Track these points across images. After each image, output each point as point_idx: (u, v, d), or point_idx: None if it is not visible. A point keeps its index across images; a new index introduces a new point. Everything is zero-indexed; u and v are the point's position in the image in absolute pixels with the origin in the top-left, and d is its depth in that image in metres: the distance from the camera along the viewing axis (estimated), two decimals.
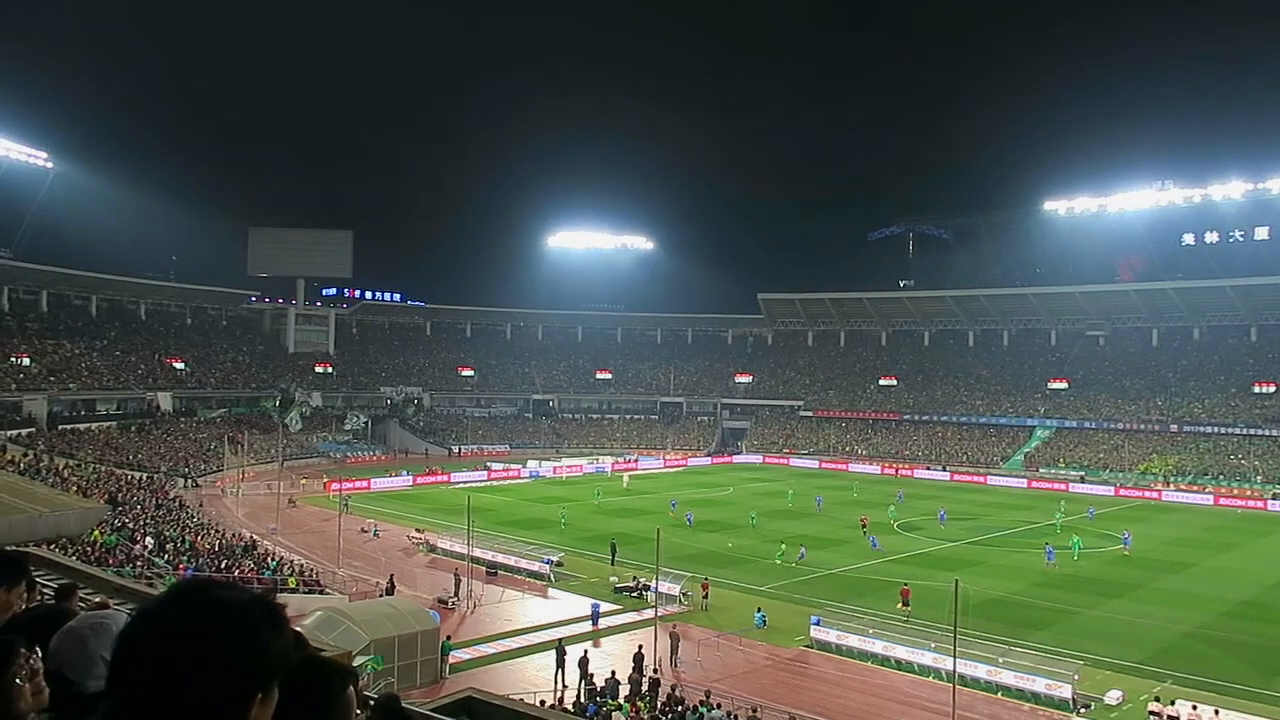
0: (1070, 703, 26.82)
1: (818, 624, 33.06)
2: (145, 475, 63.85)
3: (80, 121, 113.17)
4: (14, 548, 20.25)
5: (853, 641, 31.80)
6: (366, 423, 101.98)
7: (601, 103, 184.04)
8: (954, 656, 25.33)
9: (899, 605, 35.47)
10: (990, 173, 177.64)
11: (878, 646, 31.25)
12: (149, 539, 39.70)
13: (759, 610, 35.10)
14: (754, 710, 24.42)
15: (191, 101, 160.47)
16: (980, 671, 28.37)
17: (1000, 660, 28.70)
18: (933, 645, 29.76)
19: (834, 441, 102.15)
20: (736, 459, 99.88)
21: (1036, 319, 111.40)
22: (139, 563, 35.45)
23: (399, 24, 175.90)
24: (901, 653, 30.72)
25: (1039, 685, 27.50)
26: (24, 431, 71.74)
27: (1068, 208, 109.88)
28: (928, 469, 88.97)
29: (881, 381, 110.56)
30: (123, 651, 1.49)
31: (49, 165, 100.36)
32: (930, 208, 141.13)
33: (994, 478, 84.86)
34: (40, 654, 2.57)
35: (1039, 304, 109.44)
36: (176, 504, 54.16)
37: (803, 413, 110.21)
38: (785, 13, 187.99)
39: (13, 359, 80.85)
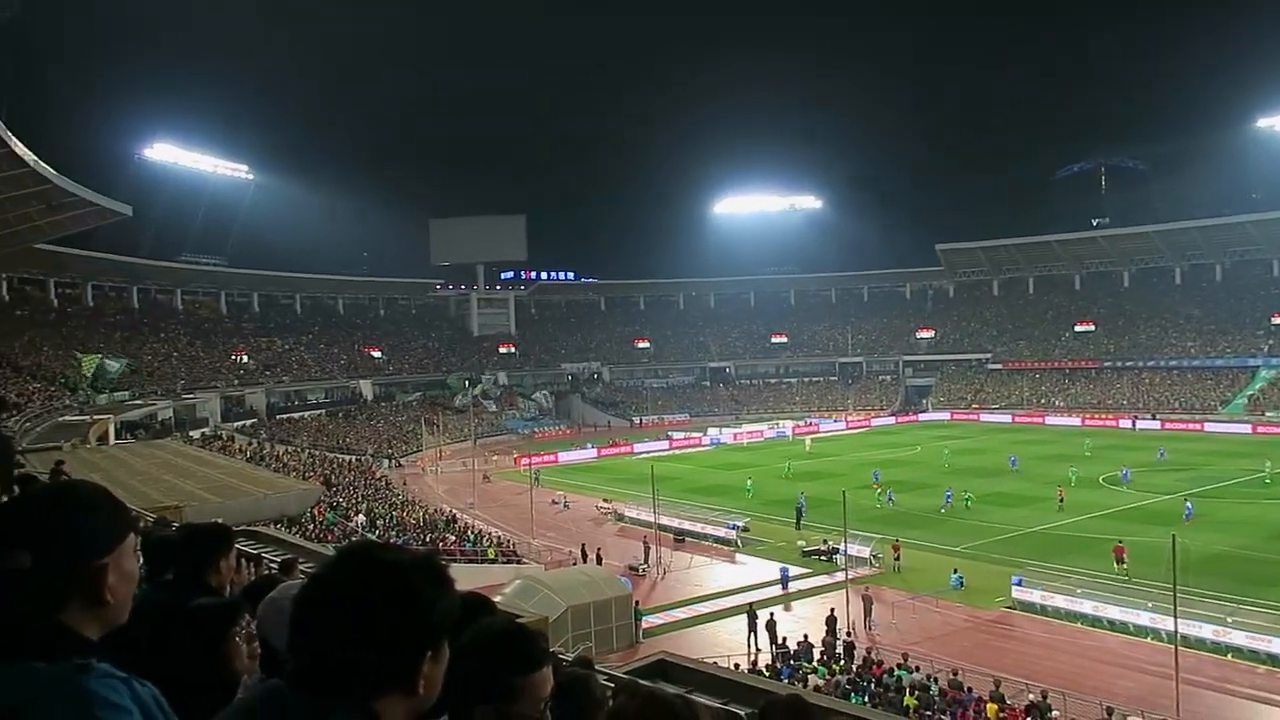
0: None
1: (1019, 584, 31.60)
2: (354, 458, 68.68)
3: (269, 133, 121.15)
4: (245, 526, 22.29)
5: (1059, 602, 30.19)
6: (552, 400, 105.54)
7: (762, 65, 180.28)
8: (1174, 616, 23.59)
9: (1115, 565, 33.35)
10: (1188, 94, 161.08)
11: (1086, 607, 29.53)
12: (361, 516, 42.68)
13: (955, 571, 33.87)
14: (955, 673, 23.65)
15: (366, 106, 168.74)
16: (1205, 632, 26.33)
17: (1229, 620, 26.55)
18: (1150, 605, 27.83)
19: (1027, 394, 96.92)
20: (922, 417, 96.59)
21: (1255, 249, 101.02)
22: (354, 538, 38.16)
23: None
24: (1114, 613, 28.89)
25: (1276, 647, 25.26)
26: (248, 422, 78.90)
27: None
28: (1133, 418, 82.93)
29: (1077, 328, 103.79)
30: (295, 613, 1.56)
31: (250, 177, 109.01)
32: (1123, 138, 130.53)
33: (1211, 424, 78.12)
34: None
35: (1258, 232, 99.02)
36: (383, 483, 57.94)
37: (991, 366, 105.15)
38: None
39: (234, 357, 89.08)
